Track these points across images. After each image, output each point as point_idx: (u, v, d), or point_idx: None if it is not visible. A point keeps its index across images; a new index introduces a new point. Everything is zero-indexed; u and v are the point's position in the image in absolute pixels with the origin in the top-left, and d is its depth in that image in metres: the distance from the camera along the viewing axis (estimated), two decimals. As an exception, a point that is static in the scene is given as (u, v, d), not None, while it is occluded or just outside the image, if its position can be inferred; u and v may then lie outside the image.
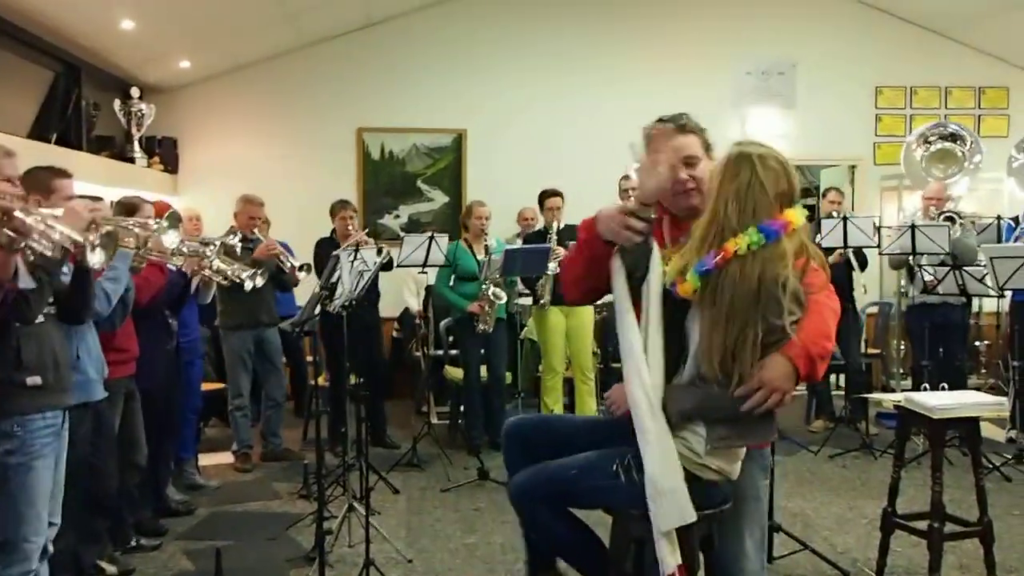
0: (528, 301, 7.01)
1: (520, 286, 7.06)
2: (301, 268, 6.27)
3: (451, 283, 6.67)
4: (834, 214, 6.99)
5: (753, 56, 9.03)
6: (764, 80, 9.07)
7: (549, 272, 6.39)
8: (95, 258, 2.96)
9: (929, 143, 8.15)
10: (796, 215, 2.48)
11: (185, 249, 4.54)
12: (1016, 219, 6.96)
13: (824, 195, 7.57)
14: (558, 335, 6.76)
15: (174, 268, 4.72)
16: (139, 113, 7.85)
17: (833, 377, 7.71)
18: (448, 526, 5.12)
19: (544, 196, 6.86)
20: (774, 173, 2.50)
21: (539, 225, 7.21)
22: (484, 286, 6.48)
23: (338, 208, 6.76)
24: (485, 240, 6.81)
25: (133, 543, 4.62)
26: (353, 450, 5.42)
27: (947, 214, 6.81)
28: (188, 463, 5.83)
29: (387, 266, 6.55)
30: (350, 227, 6.57)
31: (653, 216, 2.54)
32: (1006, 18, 8.34)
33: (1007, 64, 9.18)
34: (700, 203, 2.69)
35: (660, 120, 2.82)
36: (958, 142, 8.07)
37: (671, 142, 2.75)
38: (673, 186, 2.68)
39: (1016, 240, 6.61)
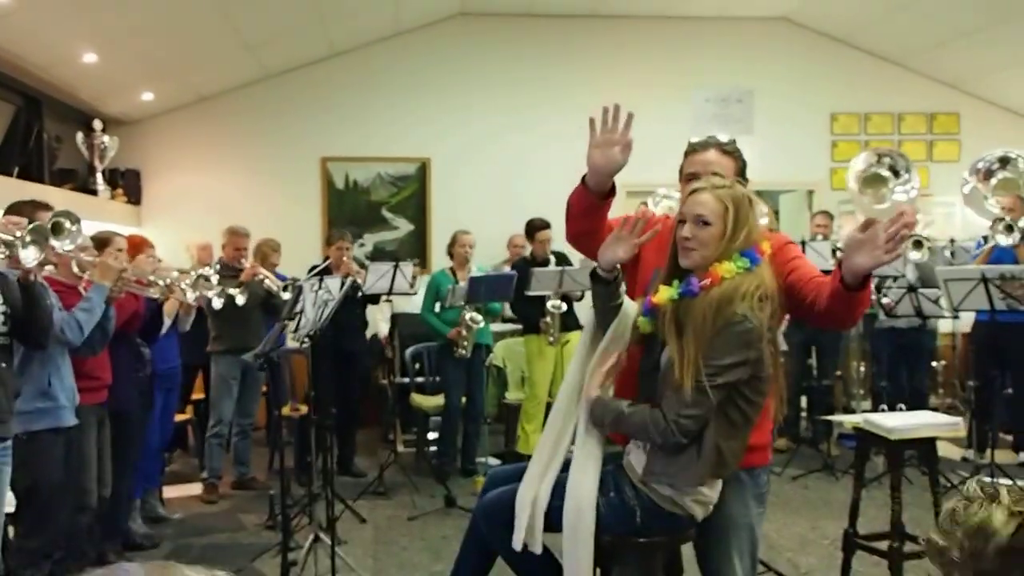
0: (498, 327, 7.04)
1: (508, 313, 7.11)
2: (285, 288, 6.24)
3: (436, 310, 6.72)
4: (820, 237, 7.11)
5: (711, 84, 9.18)
6: (722, 107, 9.22)
7: (553, 309, 6.43)
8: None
9: (880, 163, 8.23)
10: (767, 245, 2.61)
11: (161, 281, 4.54)
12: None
13: (812, 217, 7.68)
14: (547, 363, 6.77)
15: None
16: (102, 145, 7.83)
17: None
18: (415, 555, 5.12)
19: (534, 228, 6.88)
20: (759, 211, 2.68)
21: (527, 252, 7.18)
22: (463, 312, 6.51)
23: (335, 237, 6.80)
24: (469, 268, 6.84)
25: (96, 577, 4.56)
26: (319, 479, 5.41)
27: (915, 238, 6.92)
28: (152, 494, 5.78)
29: (373, 299, 6.57)
30: (345, 257, 6.60)
31: (617, 275, 2.70)
32: (956, 46, 8.55)
33: (958, 91, 9.38)
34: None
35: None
36: (896, 176, 8.16)
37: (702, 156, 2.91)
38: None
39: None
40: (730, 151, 2.90)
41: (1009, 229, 6.30)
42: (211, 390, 6.45)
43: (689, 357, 2.46)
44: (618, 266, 2.70)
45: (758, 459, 2.79)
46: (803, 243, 6.71)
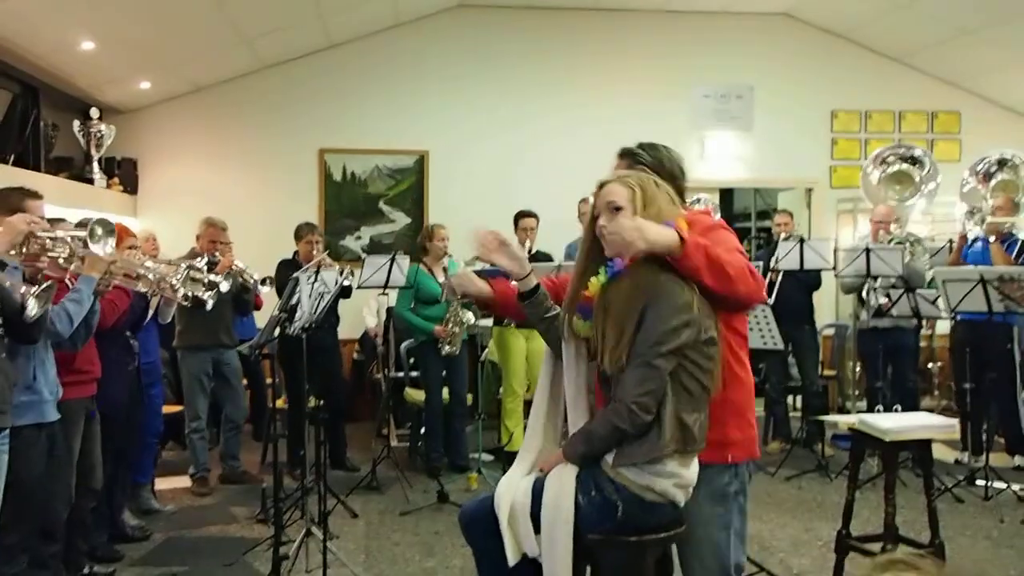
0: (489, 322, 7.02)
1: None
2: (263, 282, 6.21)
3: (412, 306, 6.66)
4: (782, 236, 7.10)
5: (711, 80, 9.14)
6: (722, 103, 9.18)
7: None
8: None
9: (887, 163, 8.25)
10: (683, 223, 2.61)
11: (151, 276, 4.49)
12: None
13: (774, 217, 7.66)
14: (519, 357, 6.78)
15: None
16: (98, 134, 7.79)
17: (790, 398, 7.79)
18: (407, 550, 5.11)
19: (519, 216, 6.90)
20: (668, 191, 2.70)
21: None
22: (454, 307, 6.47)
23: (304, 231, 6.72)
24: (444, 263, 6.80)
25: (86, 570, 4.53)
26: (312, 473, 5.39)
27: (895, 239, 6.92)
28: (144, 487, 5.77)
29: (346, 293, 6.52)
30: (315, 251, 6.55)
31: (535, 286, 2.88)
32: (958, 44, 8.51)
33: (959, 89, 9.35)
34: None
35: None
36: (916, 165, 8.20)
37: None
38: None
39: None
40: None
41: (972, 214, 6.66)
42: (183, 388, 6.39)
43: (627, 335, 2.51)
44: (534, 279, 2.87)
45: (707, 456, 2.73)
46: (801, 241, 6.67)
